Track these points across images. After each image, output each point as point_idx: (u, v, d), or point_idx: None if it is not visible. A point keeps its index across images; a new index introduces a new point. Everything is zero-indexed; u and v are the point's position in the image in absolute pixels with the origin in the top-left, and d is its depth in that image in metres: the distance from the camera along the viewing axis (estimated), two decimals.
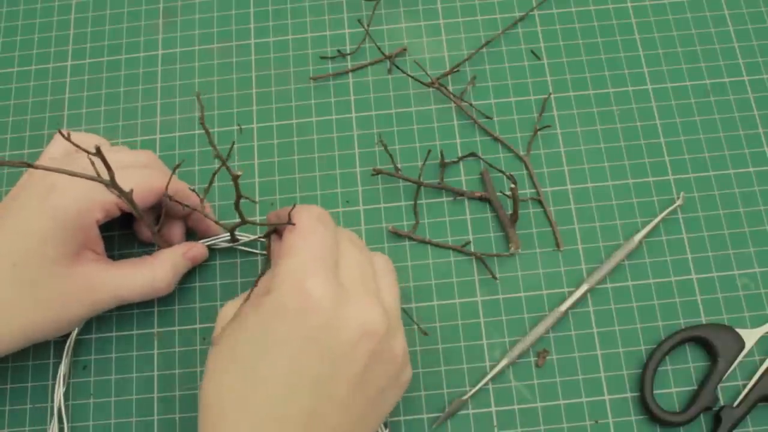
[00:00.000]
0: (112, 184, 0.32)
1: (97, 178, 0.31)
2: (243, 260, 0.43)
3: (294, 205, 0.35)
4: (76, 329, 0.41)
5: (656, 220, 0.43)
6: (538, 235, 0.43)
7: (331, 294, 0.31)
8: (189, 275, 0.43)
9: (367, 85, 0.47)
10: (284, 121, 0.46)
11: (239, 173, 0.31)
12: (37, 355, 0.42)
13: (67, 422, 0.40)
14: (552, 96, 0.46)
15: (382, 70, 0.48)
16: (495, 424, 0.40)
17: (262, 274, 0.34)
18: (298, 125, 0.46)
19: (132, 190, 0.35)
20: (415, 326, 0.41)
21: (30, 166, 0.29)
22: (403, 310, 0.42)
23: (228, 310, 0.34)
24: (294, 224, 0.34)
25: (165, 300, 0.42)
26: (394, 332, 0.33)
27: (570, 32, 0.48)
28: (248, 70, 0.48)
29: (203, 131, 0.46)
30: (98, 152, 0.29)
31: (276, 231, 0.37)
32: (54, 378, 0.41)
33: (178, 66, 0.48)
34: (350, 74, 0.48)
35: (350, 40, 0.49)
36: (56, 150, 0.40)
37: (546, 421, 0.39)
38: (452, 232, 0.44)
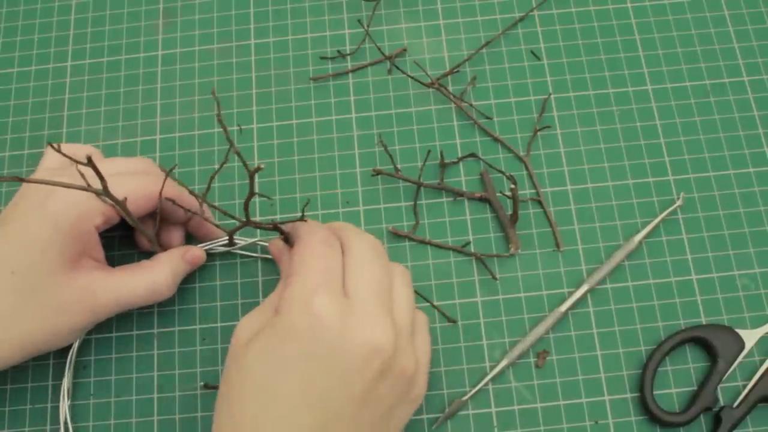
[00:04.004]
0: (104, 193, 0.32)
1: (89, 188, 0.31)
2: (242, 261, 0.43)
3: (301, 221, 0.35)
4: (77, 343, 0.40)
5: (656, 221, 0.43)
6: (538, 235, 0.43)
7: (338, 313, 0.32)
8: (189, 276, 0.42)
9: (367, 86, 0.47)
10: (284, 122, 0.46)
11: (262, 166, 0.31)
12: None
13: None
14: (552, 96, 0.46)
15: (382, 71, 0.48)
16: (495, 424, 0.40)
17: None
18: (298, 126, 0.46)
19: (126, 199, 0.34)
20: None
21: (22, 180, 0.29)
22: (427, 300, 0.42)
23: (244, 325, 0.34)
24: (306, 220, 0.35)
25: (165, 301, 0.42)
26: (403, 349, 0.33)
27: (570, 33, 0.48)
28: (248, 70, 0.48)
29: (203, 132, 0.46)
30: (89, 162, 0.29)
31: (287, 241, 0.37)
32: (54, 378, 0.41)
33: (178, 66, 0.48)
34: (350, 75, 0.48)
35: (350, 41, 0.49)
36: (52, 161, 0.40)
37: (546, 422, 0.39)
38: (452, 233, 0.44)
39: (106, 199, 0.32)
